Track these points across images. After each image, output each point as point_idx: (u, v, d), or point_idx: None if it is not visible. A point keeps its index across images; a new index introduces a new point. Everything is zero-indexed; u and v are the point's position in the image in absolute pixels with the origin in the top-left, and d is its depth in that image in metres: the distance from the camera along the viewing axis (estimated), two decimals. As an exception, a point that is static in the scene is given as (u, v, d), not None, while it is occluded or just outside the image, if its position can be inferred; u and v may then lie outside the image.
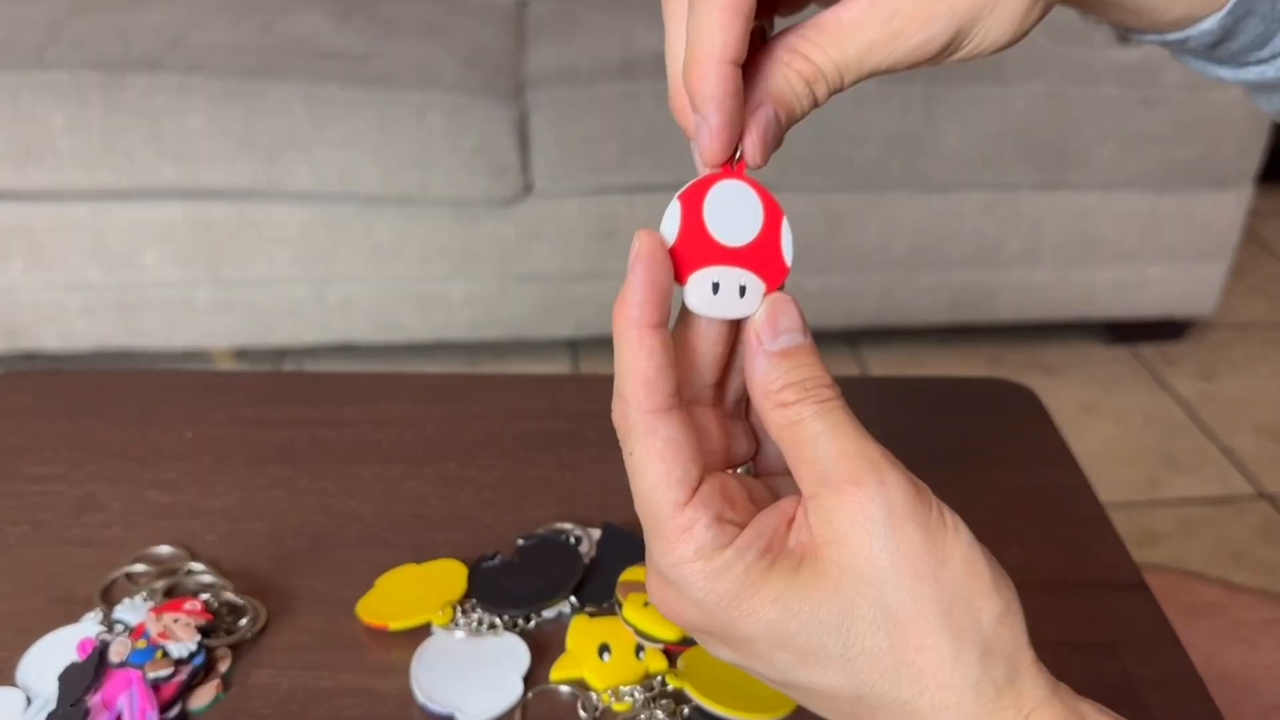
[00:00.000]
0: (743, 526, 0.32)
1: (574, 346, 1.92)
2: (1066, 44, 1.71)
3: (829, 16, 0.32)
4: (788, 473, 0.33)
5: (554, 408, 0.64)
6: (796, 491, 0.33)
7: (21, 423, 0.60)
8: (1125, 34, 0.38)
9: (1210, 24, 0.36)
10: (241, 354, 1.87)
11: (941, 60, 0.33)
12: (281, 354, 1.88)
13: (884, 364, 1.92)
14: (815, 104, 0.33)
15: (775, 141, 0.33)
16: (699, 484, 0.32)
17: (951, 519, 0.32)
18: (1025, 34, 0.33)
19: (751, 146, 0.32)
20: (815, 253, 1.75)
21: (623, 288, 0.32)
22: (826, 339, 1.95)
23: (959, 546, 0.31)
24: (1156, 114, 1.71)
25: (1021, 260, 1.82)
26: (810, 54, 0.32)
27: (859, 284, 1.80)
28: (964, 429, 0.63)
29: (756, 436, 0.37)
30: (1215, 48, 0.37)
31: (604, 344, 1.90)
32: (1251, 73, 0.39)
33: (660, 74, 1.78)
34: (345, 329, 1.75)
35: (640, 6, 1.85)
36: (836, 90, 0.33)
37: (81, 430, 0.60)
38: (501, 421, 0.62)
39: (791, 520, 0.32)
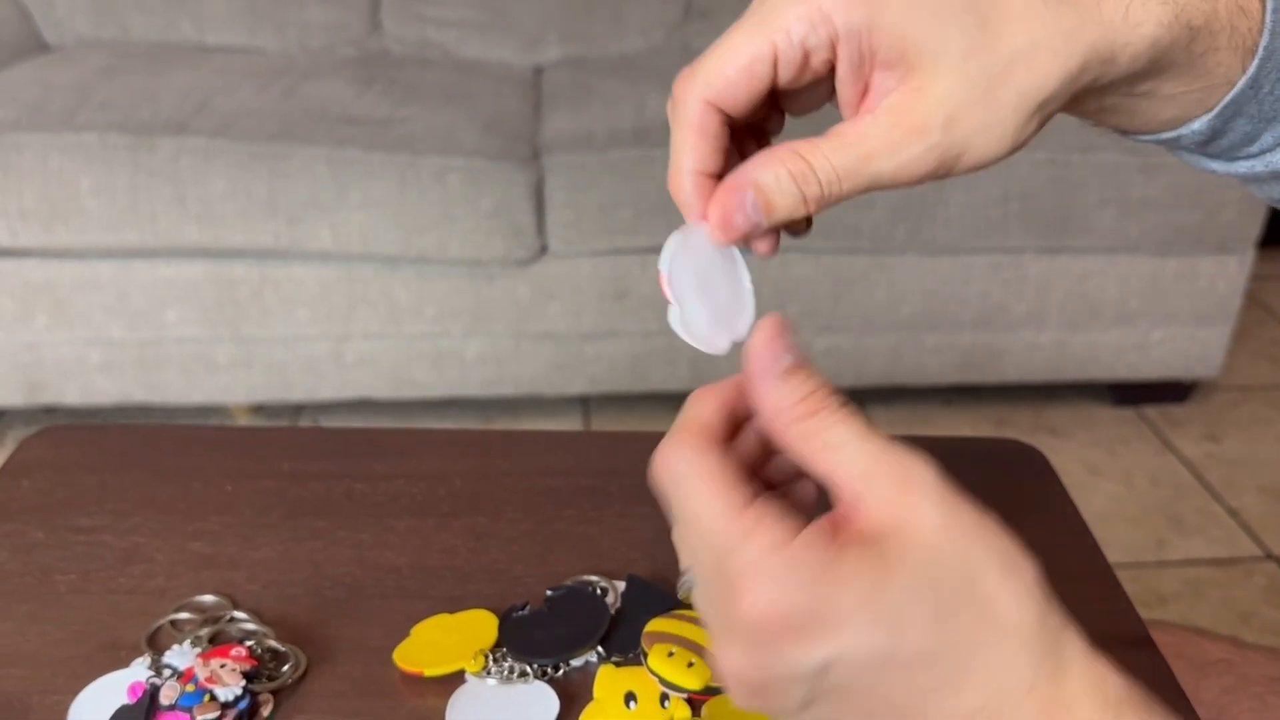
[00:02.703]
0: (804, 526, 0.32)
1: (586, 404, 1.94)
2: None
3: (835, 128, 0.36)
4: None
5: (577, 464, 0.66)
6: None
7: (69, 476, 0.63)
8: (1122, 134, 0.41)
9: (1200, 125, 0.39)
10: (258, 409, 1.90)
11: (942, 174, 0.36)
12: (298, 410, 1.90)
13: (891, 424, 1.95)
14: (804, 204, 0.36)
15: (746, 225, 0.36)
16: (756, 495, 0.33)
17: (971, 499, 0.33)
18: (1022, 145, 0.36)
19: (712, 222, 0.36)
20: (823, 314, 1.78)
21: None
22: (834, 398, 1.97)
23: (993, 519, 0.33)
24: (1156, 180, 1.75)
25: (1027, 322, 1.85)
26: (807, 154, 0.35)
27: (866, 345, 1.83)
28: (973, 488, 0.65)
29: None
30: (1206, 145, 0.40)
31: (615, 401, 1.92)
32: (1241, 167, 0.41)
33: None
34: (362, 385, 1.78)
35: (653, 75, 1.90)
36: (834, 195, 0.36)
37: (126, 484, 0.62)
38: (527, 477, 0.65)
39: (839, 527, 0.33)
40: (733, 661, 0.32)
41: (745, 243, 0.38)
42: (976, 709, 0.32)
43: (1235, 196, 1.78)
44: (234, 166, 1.60)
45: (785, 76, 0.36)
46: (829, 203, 0.36)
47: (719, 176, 0.37)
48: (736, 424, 0.37)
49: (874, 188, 0.36)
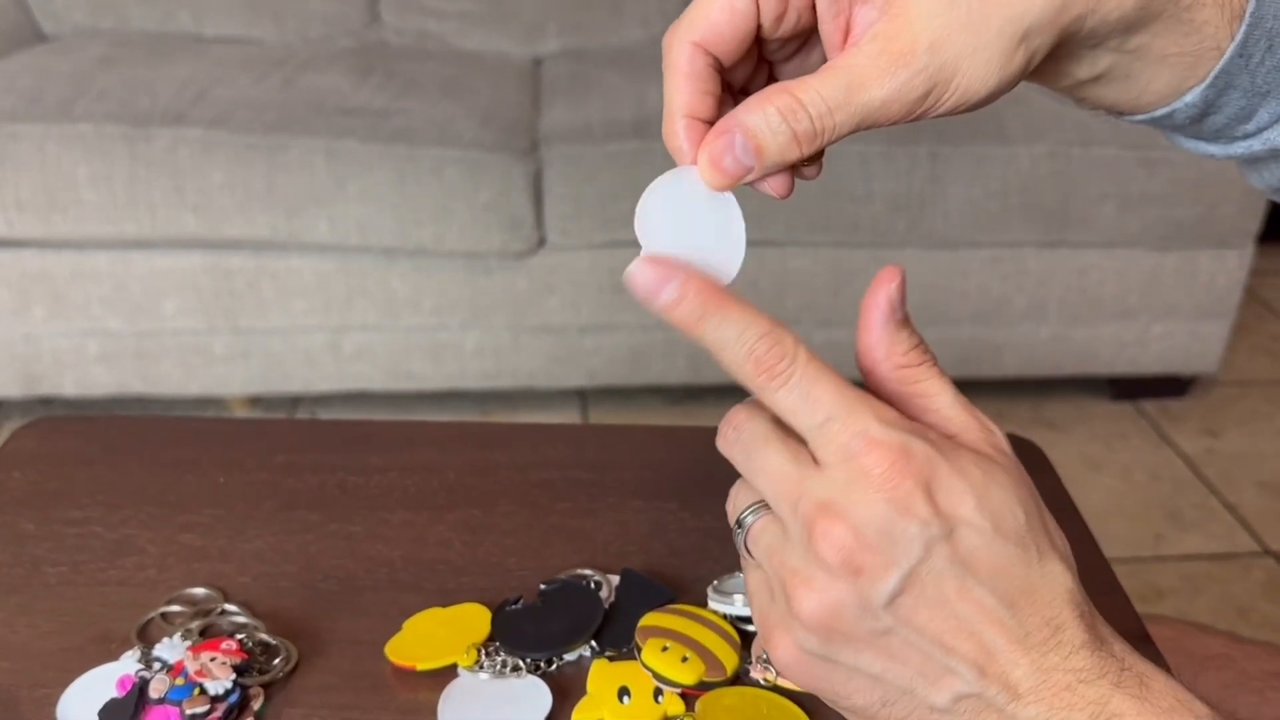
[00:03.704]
0: None
1: (584, 396, 1.94)
2: (1067, 105, 1.74)
3: (826, 64, 0.36)
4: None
5: (573, 457, 0.66)
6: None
7: (60, 467, 0.62)
8: (1117, 116, 0.41)
9: (1192, 97, 0.38)
10: (256, 401, 1.89)
11: (929, 108, 0.36)
12: (295, 402, 1.90)
13: (890, 418, 1.94)
14: (797, 143, 0.36)
15: (736, 169, 0.36)
16: None
17: None
18: (1008, 85, 0.36)
19: (700, 165, 0.37)
20: (822, 307, 1.78)
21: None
22: (833, 392, 1.97)
23: None
24: (1156, 174, 1.74)
25: (1026, 316, 1.85)
26: (795, 90, 0.35)
27: (865, 338, 1.82)
28: (971, 482, 0.65)
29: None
30: (1201, 122, 0.40)
31: (613, 394, 1.92)
32: (1239, 148, 0.41)
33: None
34: (359, 378, 1.77)
35: (652, 67, 1.90)
36: (827, 133, 0.36)
37: (117, 475, 0.62)
38: (522, 470, 0.64)
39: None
40: (813, 600, 0.34)
41: (754, 185, 0.38)
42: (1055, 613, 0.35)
43: (1235, 192, 1.77)
44: (232, 158, 1.59)
45: (769, 13, 0.36)
46: (823, 140, 0.36)
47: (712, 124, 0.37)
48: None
49: (867, 122, 0.36)
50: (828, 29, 0.37)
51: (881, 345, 0.37)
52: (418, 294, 1.70)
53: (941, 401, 0.37)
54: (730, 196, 0.37)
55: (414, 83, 1.80)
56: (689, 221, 0.37)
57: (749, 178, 0.37)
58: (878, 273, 0.37)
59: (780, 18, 0.37)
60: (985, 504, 0.34)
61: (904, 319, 0.37)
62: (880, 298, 0.37)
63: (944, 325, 1.83)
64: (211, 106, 1.65)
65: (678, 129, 0.37)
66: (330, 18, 2.07)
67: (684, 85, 0.37)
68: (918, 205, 1.72)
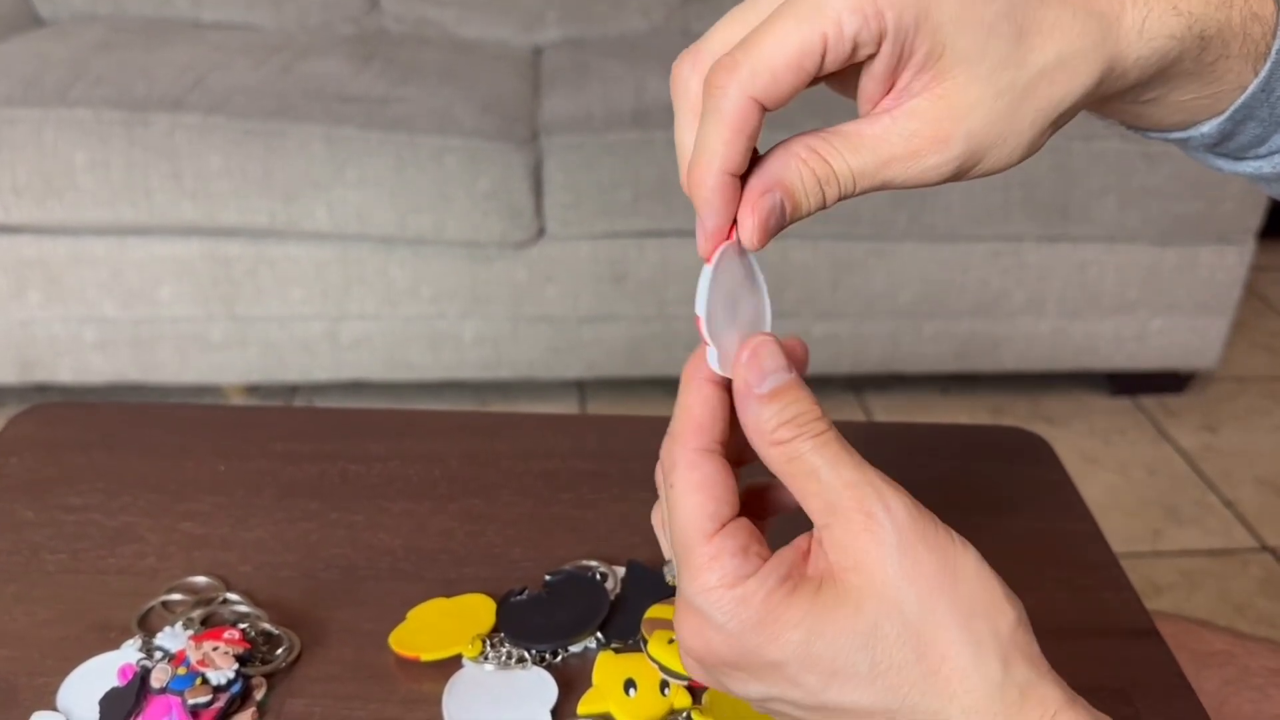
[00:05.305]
0: (765, 560, 0.34)
1: (582, 387, 1.93)
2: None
3: (852, 127, 0.35)
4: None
5: (575, 447, 0.65)
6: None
7: (59, 454, 0.62)
8: (1130, 129, 0.41)
9: (1209, 128, 0.38)
10: (253, 390, 1.89)
11: (953, 180, 0.35)
12: (293, 390, 1.89)
13: (888, 411, 1.94)
14: (823, 205, 0.35)
15: (775, 228, 0.35)
16: (729, 520, 0.34)
17: (959, 538, 0.34)
18: (1034, 154, 0.36)
19: (749, 230, 0.34)
20: (822, 300, 1.77)
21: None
22: (831, 385, 1.97)
23: (969, 562, 0.33)
24: (1158, 169, 1.74)
25: (1025, 310, 1.84)
26: (829, 156, 0.34)
27: (865, 331, 1.82)
28: (976, 476, 0.65)
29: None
30: (1215, 146, 0.40)
31: (612, 386, 1.92)
32: (1249, 167, 0.41)
33: (671, 122, 1.83)
34: (357, 367, 1.76)
35: (653, 56, 1.89)
36: (848, 195, 0.35)
37: (117, 462, 0.61)
38: (524, 460, 0.64)
39: (807, 553, 0.35)
40: (686, 657, 0.36)
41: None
42: None
43: (1236, 187, 1.77)
44: (230, 143, 1.58)
45: (826, 70, 0.33)
46: (842, 200, 0.36)
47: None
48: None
49: (885, 189, 0.35)
50: (871, 86, 0.34)
51: (749, 425, 0.35)
52: (416, 283, 1.70)
53: (816, 482, 0.34)
54: (753, 259, 0.36)
55: (414, 70, 1.78)
56: (732, 301, 0.36)
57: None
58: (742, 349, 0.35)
59: (834, 72, 0.34)
60: (808, 667, 0.33)
61: (774, 390, 0.34)
62: (738, 376, 0.35)
63: (943, 319, 1.83)
64: (209, 92, 1.64)
65: (710, 183, 0.34)
66: (329, 4, 2.05)
67: (733, 139, 0.33)
68: (918, 198, 1.71)
